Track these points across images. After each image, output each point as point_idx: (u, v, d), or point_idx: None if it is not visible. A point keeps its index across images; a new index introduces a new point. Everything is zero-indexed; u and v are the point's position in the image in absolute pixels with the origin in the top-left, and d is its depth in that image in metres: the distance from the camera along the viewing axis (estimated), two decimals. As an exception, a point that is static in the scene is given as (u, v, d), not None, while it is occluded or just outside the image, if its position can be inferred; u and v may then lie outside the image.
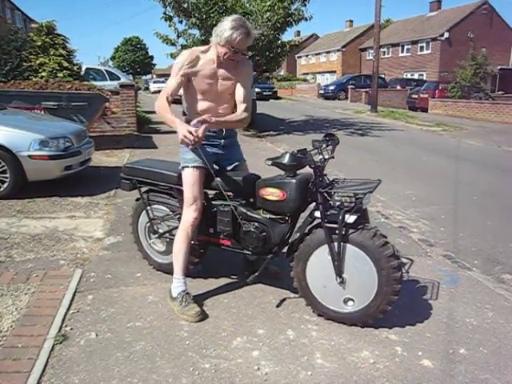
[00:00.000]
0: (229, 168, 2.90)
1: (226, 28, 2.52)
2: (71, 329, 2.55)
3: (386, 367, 2.28)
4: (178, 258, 2.78)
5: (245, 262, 3.28)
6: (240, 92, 2.76)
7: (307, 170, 2.60)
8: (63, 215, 4.62)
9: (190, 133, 2.40)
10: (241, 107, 2.75)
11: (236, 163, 2.94)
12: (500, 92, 24.46)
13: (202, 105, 2.75)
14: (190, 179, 2.73)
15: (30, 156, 4.99)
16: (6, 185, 5.03)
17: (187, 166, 2.75)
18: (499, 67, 28.10)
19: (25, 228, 4.19)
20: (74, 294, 2.93)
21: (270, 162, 2.58)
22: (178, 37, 11.56)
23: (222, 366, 2.26)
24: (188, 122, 2.65)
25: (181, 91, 2.74)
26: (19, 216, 4.52)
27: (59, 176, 5.28)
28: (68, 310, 2.74)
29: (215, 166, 2.87)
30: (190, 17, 10.90)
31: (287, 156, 2.54)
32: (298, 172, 2.61)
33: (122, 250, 3.70)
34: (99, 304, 2.84)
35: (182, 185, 2.80)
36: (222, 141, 2.85)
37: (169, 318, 2.69)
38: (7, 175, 5.00)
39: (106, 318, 2.68)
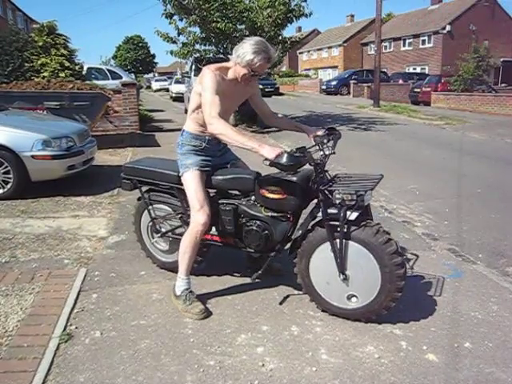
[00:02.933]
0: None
1: (248, 51, 2.49)
2: (76, 328, 2.56)
3: (391, 362, 2.28)
4: (183, 259, 2.77)
5: (248, 259, 3.29)
6: (264, 106, 3.02)
7: (308, 166, 2.60)
8: (67, 215, 4.64)
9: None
10: (270, 113, 3.05)
11: (231, 162, 2.98)
12: (503, 84, 24.38)
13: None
14: (192, 184, 2.72)
15: (33, 156, 5.00)
16: (9, 185, 5.05)
17: (187, 171, 2.75)
18: (502, 59, 27.97)
19: (29, 228, 4.20)
20: (78, 293, 2.94)
21: (267, 163, 2.55)
22: (179, 34, 11.54)
23: (226, 362, 2.27)
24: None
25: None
26: (23, 216, 4.54)
27: (62, 176, 5.30)
28: (73, 308, 2.75)
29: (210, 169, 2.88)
30: (190, 14, 10.87)
31: (285, 156, 2.50)
32: (298, 169, 2.60)
33: (126, 249, 3.71)
34: (104, 303, 2.85)
35: (182, 184, 2.79)
36: (220, 151, 2.92)
37: (173, 316, 2.70)
38: (11, 176, 5.02)
39: (111, 317, 2.69)
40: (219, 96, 2.56)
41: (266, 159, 2.51)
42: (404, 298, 2.65)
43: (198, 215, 2.70)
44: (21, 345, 2.37)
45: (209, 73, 2.59)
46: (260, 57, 2.50)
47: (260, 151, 2.39)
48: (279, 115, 3.03)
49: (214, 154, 2.86)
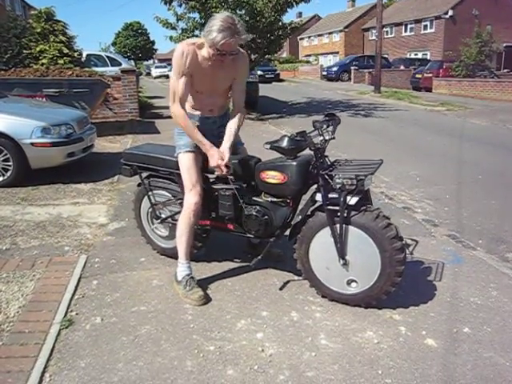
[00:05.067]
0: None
1: (212, 29, 2.38)
2: (77, 314, 2.57)
3: (390, 347, 2.29)
4: (181, 242, 2.79)
5: (248, 245, 3.29)
6: (237, 93, 2.79)
7: (308, 151, 2.58)
8: (67, 202, 4.63)
9: (222, 162, 2.55)
10: (237, 108, 2.80)
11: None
12: (505, 70, 24.17)
13: (197, 98, 2.74)
14: (185, 164, 2.73)
15: (32, 143, 4.98)
16: (9, 173, 5.04)
17: (181, 152, 2.75)
18: (505, 45, 27.67)
19: (29, 215, 4.21)
20: (78, 280, 2.95)
21: (268, 146, 2.56)
22: (178, 20, 11.42)
23: (226, 348, 2.28)
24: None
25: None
26: (23, 203, 4.54)
27: (62, 163, 5.28)
28: (73, 295, 2.76)
29: None
30: (189, 0, 10.74)
31: (286, 140, 2.51)
32: (298, 154, 2.59)
33: (126, 236, 3.72)
34: (104, 289, 2.86)
35: None
36: (215, 133, 2.83)
37: (173, 302, 2.71)
38: (10, 163, 5.01)
39: (111, 303, 2.70)
40: (193, 76, 2.55)
41: (267, 142, 2.54)
42: (404, 284, 2.66)
43: (190, 195, 2.71)
44: (22, 331, 2.38)
45: (178, 49, 2.53)
46: (222, 34, 2.35)
47: (207, 151, 2.59)
48: (236, 118, 2.76)
49: (211, 133, 2.78)
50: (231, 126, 2.74)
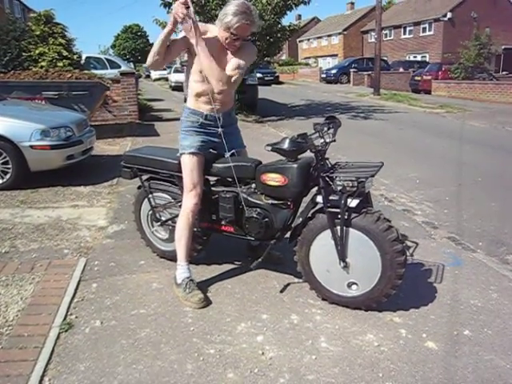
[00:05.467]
0: (226, 155, 2.79)
1: (227, 13, 2.46)
2: (76, 317, 2.56)
3: (391, 350, 2.28)
4: (180, 244, 2.79)
5: (248, 247, 3.29)
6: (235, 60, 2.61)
7: (309, 153, 2.58)
8: (66, 204, 4.63)
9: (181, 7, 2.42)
10: (232, 67, 2.59)
11: (234, 150, 2.85)
12: (504, 72, 24.20)
13: (200, 86, 2.66)
14: (188, 165, 2.72)
15: (31, 146, 4.97)
16: (8, 175, 5.03)
17: (184, 153, 2.74)
18: (503, 47, 27.72)
19: (28, 218, 4.20)
20: (78, 283, 2.94)
21: (269, 148, 2.56)
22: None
23: (226, 351, 2.27)
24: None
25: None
26: (22, 206, 4.53)
27: (61, 165, 5.27)
28: (73, 298, 2.75)
29: (212, 151, 2.85)
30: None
31: (287, 141, 2.51)
32: (299, 156, 2.59)
33: (126, 238, 3.71)
34: (103, 292, 2.85)
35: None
36: (219, 130, 2.76)
37: (173, 305, 2.70)
38: (9, 166, 5.00)
39: (111, 306, 2.69)
40: (201, 48, 2.48)
41: (268, 144, 2.54)
42: (404, 286, 2.65)
43: (189, 196, 2.72)
44: (21, 334, 2.37)
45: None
46: (238, 17, 2.44)
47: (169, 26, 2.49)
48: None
49: (215, 134, 2.77)
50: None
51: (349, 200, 2.41)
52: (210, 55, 2.52)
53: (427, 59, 32.62)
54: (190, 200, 2.72)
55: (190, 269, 2.84)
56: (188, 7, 2.43)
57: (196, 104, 2.73)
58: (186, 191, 2.74)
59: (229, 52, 2.61)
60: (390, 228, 2.42)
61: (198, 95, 2.70)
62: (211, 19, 10.73)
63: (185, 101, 2.87)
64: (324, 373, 2.12)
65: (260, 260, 2.77)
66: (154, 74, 41.83)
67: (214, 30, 2.63)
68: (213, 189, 2.93)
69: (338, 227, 2.47)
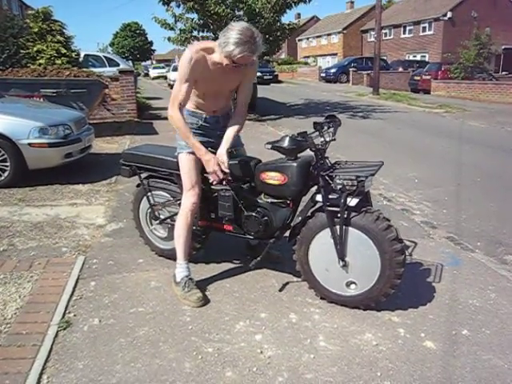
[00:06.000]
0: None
1: (229, 41, 2.29)
2: (74, 315, 2.56)
3: (389, 349, 2.28)
4: (179, 243, 2.79)
5: (247, 246, 3.28)
6: (242, 95, 2.74)
7: (308, 152, 2.58)
8: (65, 203, 4.62)
9: (219, 167, 2.57)
10: (240, 109, 2.76)
11: (232, 149, 2.82)
12: (504, 72, 24.24)
13: (200, 100, 2.70)
14: (186, 165, 2.72)
15: (29, 144, 4.96)
16: (6, 173, 5.02)
17: (182, 152, 2.74)
18: (503, 47, 27.76)
19: (27, 216, 4.19)
20: (76, 281, 2.94)
21: (269, 146, 2.56)
22: (176, 21, 11.41)
23: (225, 349, 2.27)
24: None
25: (173, 78, 2.67)
26: (21, 204, 4.52)
27: (59, 164, 5.26)
28: (71, 296, 2.75)
29: (211, 150, 2.85)
30: (187, 0, 10.73)
31: (287, 140, 2.51)
32: (299, 155, 2.59)
33: (124, 237, 3.70)
34: (102, 290, 2.85)
35: None
36: (218, 132, 2.80)
37: (171, 304, 2.70)
38: (7, 164, 4.99)
39: (109, 304, 2.69)
40: (198, 81, 2.53)
41: (268, 143, 2.54)
42: (402, 286, 2.65)
43: (188, 195, 2.71)
44: (20, 332, 2.37)
45: (186, 54, 2.48)
46: (240, 49, 2.28)
47: (202, 157, 2.59)
48: (236, 122, 2.73)
49: (213, 135, 2.79)
50: (231, 130, 2.71)
51: (348, 199, 2.40)
52: (214, 81, 2.56)
53: (427, 59, 32.63)
54: (188, 199, 2.72)
55: (189, 267, 2.83)
56: (226, 173, 2.63)
57: (195, 108, 2.74)
58: (185, 190, 2.73)
59: (230, 71, 2.52)
60: (390, 227, 2.42)
61: (200, 106, 2.72)
62: (210, 16, 10.73)
63: None
64: (322, 372, 2.12)
65: (259, 259, 2.77)
66: (153, 73, 41.89)
67: (212, 56, 2.51)
68: (212, 187, 2.92)
69: (338, 226, 2.47)
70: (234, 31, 2.30)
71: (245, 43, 2.28)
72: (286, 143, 2.51)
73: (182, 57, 2.51)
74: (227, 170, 2.61)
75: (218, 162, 2.58)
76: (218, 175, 2.59)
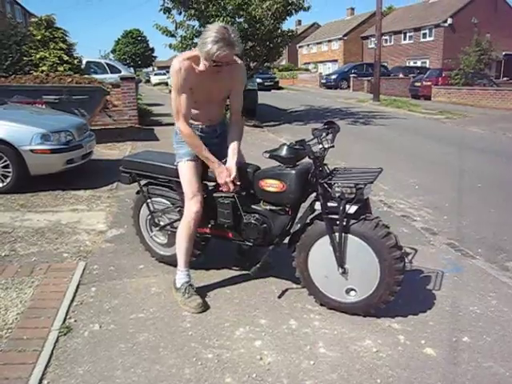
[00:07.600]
0: (223, 161, 2.78)
1: (206, 41, 2.34)
2: (75, 321, 2.57)
3: (389, 356, 2.28)
4: (181, 251, 2.78)
5: (237, 251, 3.30)
6: (235, 104, 2.80)
7: (307, 159, 2.59)
8: (66, 208, 4.63)
9: (230, 179, 2.61)
10: (235, 117, 2.82)
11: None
12: (504, 78, 24.28)
13: (195, 110, 2.72)
14: (186, 173, 2.73)
15: (31, 150, 4.99)
16: (8, 179, 5.04)
17: (181, 161, 2.75)
18: (504, 53, 27.85)
19: (28, 222, 4.20)
20: (77, 287, 2.95)
21: (267, 155, 2.57)
22: (177, 28, 11.47)
23: (224, 356, 2.27)
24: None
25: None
26: (22, 210, 4.54)
27: (61, 170, 5.28)
28: (72, 302, 2.75)
29: None
30: (188, 8, 10.80)
31: (285, 148, 2.52)
32: (298, 162, 2.60)
33: (125, 243, 3.71)
34: (102, 296, 2.86)
35: None
36: (216, 140, 2.83)
37: (172, 310, 2.70)
38: (10, 170, 5.01)
39: (110, 310, 2.69)
40: (192, 89, 2.55)
41: (266, 151, 2.55)
42: (403, 292, 2.65)
43: (191, 204, 2.71)
44: (20, 337, 2.38)
45: (175, 65, 2.52)
46: (217, 46, 2.32)
47: (215, 169, 2.64)
48: (236, 131, 2.79)
49: (210, 142, 2.77)
50: (233, 141, 2.75)
51: (347, 206, 2.41)
52: (204, 89, 2.60)
53: (427, 65, 32.73)
54: (191, 208, 2.71)
55: (190, 274, 2.84)
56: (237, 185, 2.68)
57: (191, 118, 2.74)
58: (187, 199, 2.73)
59: (219, 74, 2.55)
60: (389, 234, 2.42)
61: (193, 113, 2.73)
62: (210, 24, 10.79)
63: None
64: (322, 378, 2.12)
65: (258, 266, 2.77)
66: (154, 79, 42.05)
67: (198, 65, 2.55)
68: (211, 194, 2.93)
69: (337, 233, 2.47)
70: (209, 31, 2.37)
71: (221, 40, 2.33)
72: (283, 152, 2.52)
73: (171, 69, 2.55)
74: (238, 182, 2.65)
75: (228, 173, 2.63)
76: (230, 187, 2.63)
